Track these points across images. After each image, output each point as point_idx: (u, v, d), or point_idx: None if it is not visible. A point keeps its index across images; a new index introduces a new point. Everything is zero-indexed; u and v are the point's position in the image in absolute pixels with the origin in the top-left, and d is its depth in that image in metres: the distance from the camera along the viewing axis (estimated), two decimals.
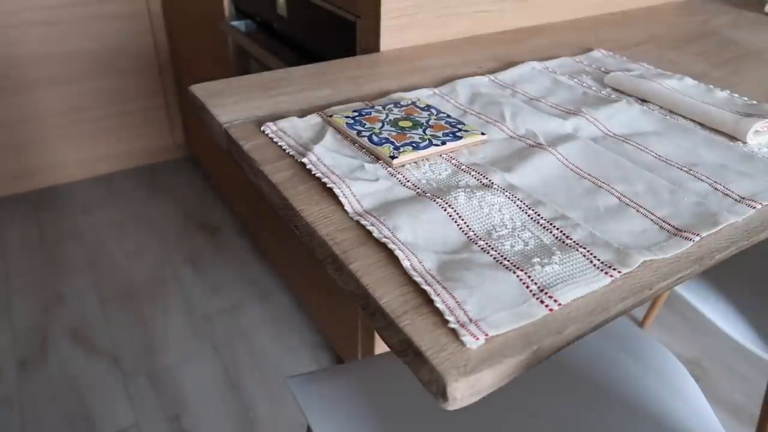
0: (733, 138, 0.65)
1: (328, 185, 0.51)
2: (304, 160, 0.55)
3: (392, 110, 0.64)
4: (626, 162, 0.58)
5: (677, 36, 1.03)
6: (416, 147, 0.57)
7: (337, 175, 0.52)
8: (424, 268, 0.42)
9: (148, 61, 1.98)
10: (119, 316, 1.50)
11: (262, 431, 1.23)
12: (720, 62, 0.90)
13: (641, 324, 1.47)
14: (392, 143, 0.57)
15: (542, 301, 0.39)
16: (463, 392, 0.34)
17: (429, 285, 0.40)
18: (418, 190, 0.51)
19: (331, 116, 0.62)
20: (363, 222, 0.46)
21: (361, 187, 0.51)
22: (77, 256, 1.70)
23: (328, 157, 0.55)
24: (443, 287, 0.40)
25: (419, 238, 0.45)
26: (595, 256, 0.44)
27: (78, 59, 1.86)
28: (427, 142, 0.58)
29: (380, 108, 0.65)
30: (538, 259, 0.43)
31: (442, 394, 0.34)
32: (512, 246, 0.45)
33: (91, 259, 1.69)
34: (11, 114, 1.84)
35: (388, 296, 0.40)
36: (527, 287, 0.41)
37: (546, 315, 0.39)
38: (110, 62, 1.92)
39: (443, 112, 0.65)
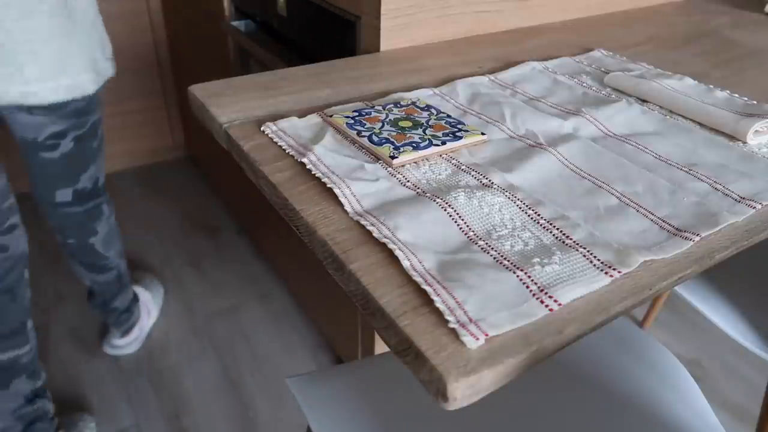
0: (733, 138, 0.65)
1: (328, 185, 0.51)
2: (304, 160, 0.55)
3: (392, 110, 0.64)
4: (626, 162, 0.58)
5: (677, 36, 1.03)
6: (416, 147, 0.57)
7: (337, 175, 0.52)
8: (424, 268, 0.42)
9: (147, 60, 1.98)
10: None
11: (262, 431, 1.23)
12: (720, 62, 0.90)
13: (641, 324, 1.47)
14: (392, 143, 0.57)
15: (542, 301, 0.39)
16: (463, 392, 0.34)
17: (429, 285, 0.40)
18: (418, 190, 0.51)
19: (331, 116, 0.62)
20: (363, 222, 0.46)
21: (361, 187, 0.51)
22: None
23: (328, 157, 0.55)
24: (443, 287, 0.40)
25: (419, 238, 0.45)
26: (595, 256, 0.44)
27: None
28: (427, 142, 0.58)
29: (380, 108, 0.65)
30: (538, 259, 0.43)
31: (442, 394, 0.34)
32: (512, 246, 0.45)
33: None
34: None
35: (388, 296, 0.40)
36: (527, 287, 0.41)
37: (546, 315, 0.39)
38: None
39: (443, 112, 0.65)
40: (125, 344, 1.38)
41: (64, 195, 1.01)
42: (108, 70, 0.99)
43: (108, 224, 1.13)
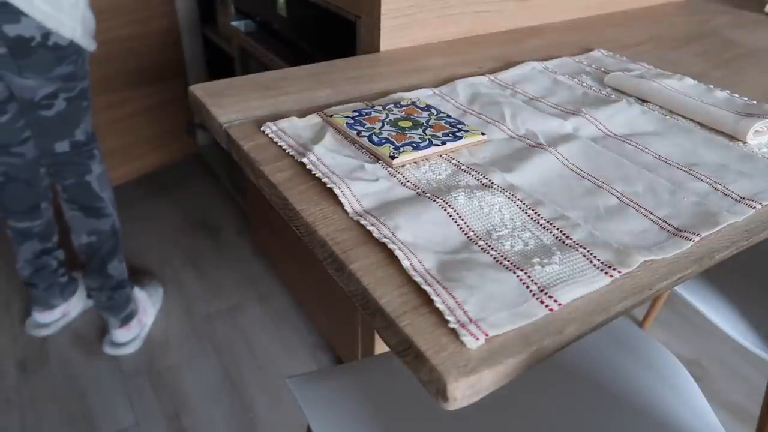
0: (733, 138, 0.65)
1: (328, 185, 0.51)
2: (304, 160, 0.55)
3: (392, 110, 0.64)
4: (626, 162, 0.58)
5: (677, 36, 1.03)
6: (416, 147, 0.57)
7: (337, 175, 0.52)
8: (424, 268, 0.42)
9: (147, 59, 1.98)
10: None
11: (262, 431, 1.23)
12: (720, 62, 0.90)
13: (641, 324, 1.47)
14: (392, 143, 0.57)
15: (542, 301, 0.39)
16: (463, 392, 0.34)
17: (429, 285, 0.40)
18: (418, 190, 0.51)
19: (331, 116, 0.62)
20: (363, 222, 0.46)
21: (361, 187, 0.51)
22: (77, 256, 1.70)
23: (328, 157, 0.55)
24: (443, 287, 0.40)
25: (419, 238, 0.45)
26: (595, 256, 0.44)
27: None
28: (427, 142, 0.58)
29: (380, 108, 0.65)
30: (538, 259, 0.43)
31: (442, 394, 0.34)
32: (512, 246, 0.45)
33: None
34: None
35: (388, 296, 0.40)
36: (527, 287, 0.41)
37: (546, 315, 0.39)
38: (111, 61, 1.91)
39: (443, 112, 0.65)
40: (125, 341, 1.38)
41: (62, 146, 1.19)
42: (90, 44, 1.13)
43: (101, 165, 1.27)
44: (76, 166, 1.22)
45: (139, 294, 1.45)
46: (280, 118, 0.63)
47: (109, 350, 1.38)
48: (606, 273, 0.42)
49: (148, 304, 1.47)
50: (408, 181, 0.53)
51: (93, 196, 1.26)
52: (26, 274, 1.35)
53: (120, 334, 1.37)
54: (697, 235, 0.47)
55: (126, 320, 1.37)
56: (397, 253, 0.43)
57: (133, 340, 1.39)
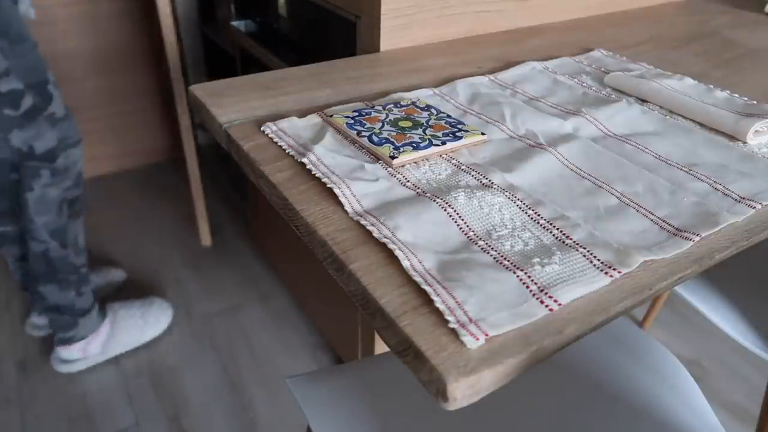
0: (733, 138, 0.65)
1: (328, 185, 0.51)
2: (304, 160, 0.55)
3: (392, 110, 0.64)
4: (626, 162, 0.58)
5: (677, 36, 1.03)
6: (416, 147, 0.57)
7: (337, 175, 0.52)
8: (424, 268, 0.42)
9: (144, 60, 1.98)
10: None
11: (262, 431, 1.23)
12: (720, 62, 0.90)
13: (641, 324, 1.47)
14: (392, 143, 0.57)
15: (542, 301, 0.39)
16: (463, 392, 0.34)
17: (429, 285, 0.40)
18: (418, 190, 0.51)
19: (331, 116, 0.62)
20: (363, 222, 0.46)
21: (361, 187, 0.51)
22: None
23: (328, 157, 0.55)
24: (443, 287, 0.40)
25: (419, 238, 0.45)
26: (595, 256, 0.44)
27: (75, 59, 1.86)
28: (427, 142, 0.58)
29: (380, 108, 0.65)
30: (538, 259, 0.43)
31: (442, 394, 0.34)
32: (512, 246, 0.45)
33: (90, 260, 1.69)
34: None
35: (388, 296, 0.40)
36: (527, 287, 0.41)
37: (546, 315, 0.39)
38: (107, 61, 1.91)
39: (443, 112, 0.65)
40: (66, 359, 1.32)
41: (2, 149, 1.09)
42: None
43: (43, 189, 1.17)
44: (22, 178, 1.15)
45: (102, 324, 1.35)
46: (280, 118, 0.63)
47: (53, 363, 1.34)
48: (606, 273, 0.42)
49: (106, 334, 1.37)
50: (408, 181, 0.53)
51: (25, 216, 1.18)
52: (18, 278, 1.33)
53: (60, 351, 1.32)
54: (697, 235, 0.47)
55: (64, 342, 1.31)
56: (397, 253, 0.43)
57: (75, 362, 1.33)
